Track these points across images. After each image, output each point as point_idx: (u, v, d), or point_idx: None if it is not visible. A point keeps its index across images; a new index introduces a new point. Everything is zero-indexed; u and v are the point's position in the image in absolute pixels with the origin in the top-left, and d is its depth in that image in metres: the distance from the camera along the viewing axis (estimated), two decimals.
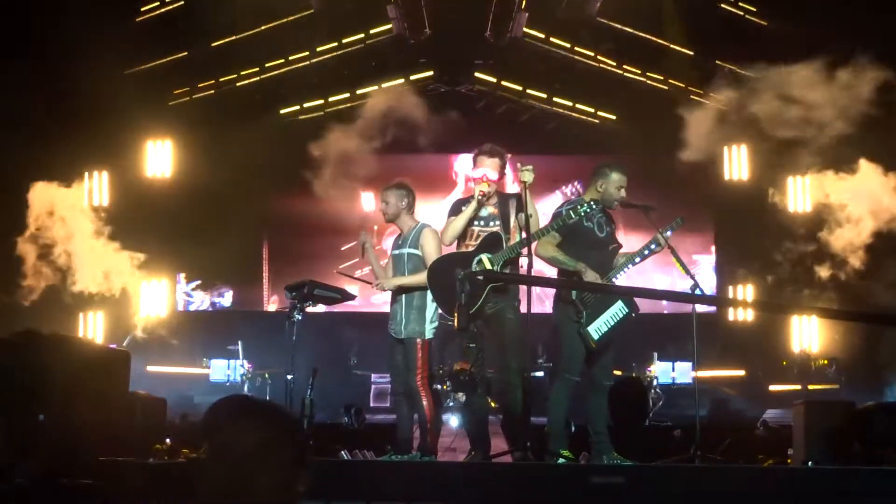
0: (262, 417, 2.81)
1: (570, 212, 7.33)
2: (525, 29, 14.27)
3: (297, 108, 16.02)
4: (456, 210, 7.77)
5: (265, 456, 2.70)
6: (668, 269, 15.47)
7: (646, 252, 7.70)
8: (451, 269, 7.38)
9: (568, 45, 14.90)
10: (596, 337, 7.38)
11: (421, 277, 7.78)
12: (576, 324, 7.39)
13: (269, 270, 16.60)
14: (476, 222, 7.59)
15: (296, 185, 16.04)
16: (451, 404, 10.85)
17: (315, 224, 16.07)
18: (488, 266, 7.40)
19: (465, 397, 7.71)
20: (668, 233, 7.66)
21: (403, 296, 7.86)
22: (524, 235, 7.28)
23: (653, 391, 13.18)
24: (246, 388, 13.46)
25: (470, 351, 7.43)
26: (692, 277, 8.06)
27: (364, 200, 16.55)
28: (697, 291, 8.19)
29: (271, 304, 16.39)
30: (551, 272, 8.22)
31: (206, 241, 14.74)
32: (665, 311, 15.92)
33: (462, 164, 16.36)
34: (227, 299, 16.33)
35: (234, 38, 14.40)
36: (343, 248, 16.35)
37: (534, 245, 7.38)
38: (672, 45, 14.54)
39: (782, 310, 14.32)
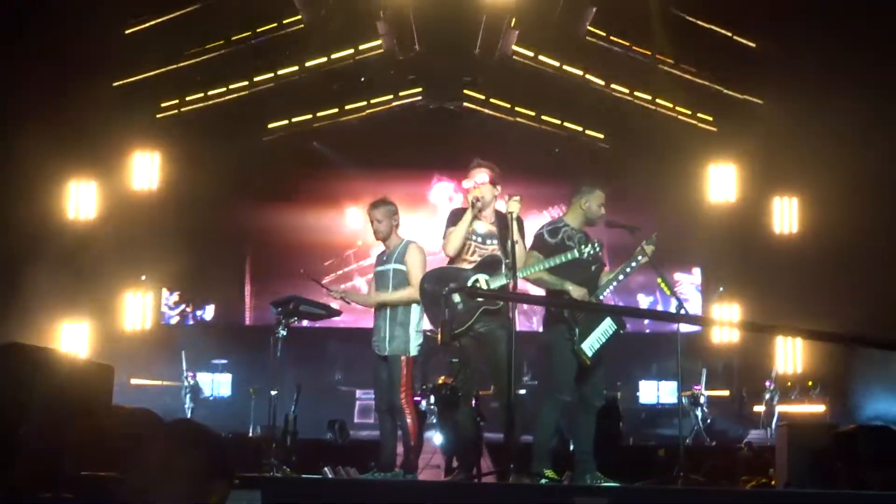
0: (172, 433, 2.98)
1: (571, 252, 7.36)
2: (514, 47, 14.31)
3: (286, 122, 16.02)
4: (454, 219, 7.74)
5: (171, 468, 2.86)
6: (651, 289, 15.53)
7: (627, 270, 7.73)
8: (446, 284, 7.37)
9: (556, 64, 14.95)
10: (590, 353, 7.39)
11: (404, 294, 7.78)
12: (569, 342, 7.40)
13: (252, 285, 16.56)
14: (474, 237, 7.56)
15: (280, 199, 16.11)
16: (434, 421, 10.84)
17: (299, 238, 16.07)
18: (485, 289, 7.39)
19: (446, 411, 7.66)
20: (651, 247, 7.69)
21: (388, 312, 7.85)
22: (514, 260, 7.26)
23: (699, 409, 13.17)
24: (188, 400, 13.37)
25: (453, 366, 7.41)
26: (677, 297, 8.10)
27: (349, 215, 16.59)
28: (682, 311, 8.22)
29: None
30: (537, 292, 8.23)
31: (189, 254, 14.72)
32: (647, 331, 15.96)
33: (437, 193, 16.43)
34: (208, 313, 16.24)
35: (223, 51, 14.39)
36: (326, 263, 16.35)
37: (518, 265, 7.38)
38: (660, 66, 14.59)
39: (767, 330, 14.35)
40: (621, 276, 7.75)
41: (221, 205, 15.52)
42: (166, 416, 12.58)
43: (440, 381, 7.26)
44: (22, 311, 12.60)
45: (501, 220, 7.58)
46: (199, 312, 16.22)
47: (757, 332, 15.48)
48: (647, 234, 7.87)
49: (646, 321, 15.96)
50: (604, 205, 7.81)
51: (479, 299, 7.34)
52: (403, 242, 8.02)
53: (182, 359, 13.75)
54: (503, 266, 7.45)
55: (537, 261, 7.42)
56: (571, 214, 7.82)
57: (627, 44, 14.44)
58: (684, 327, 9.04)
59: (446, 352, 7.34)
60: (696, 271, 16.43)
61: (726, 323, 13.50)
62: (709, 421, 13.16)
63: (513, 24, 13.69)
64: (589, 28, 13.95)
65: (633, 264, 7.69)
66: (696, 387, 13.37)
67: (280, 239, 16.13)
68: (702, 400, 13.24)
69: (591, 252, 7.41)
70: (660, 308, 16.06)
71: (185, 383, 13.53)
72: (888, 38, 12.10)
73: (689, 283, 16.35)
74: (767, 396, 13.18)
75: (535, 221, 7.98)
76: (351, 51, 14.80)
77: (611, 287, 7.79)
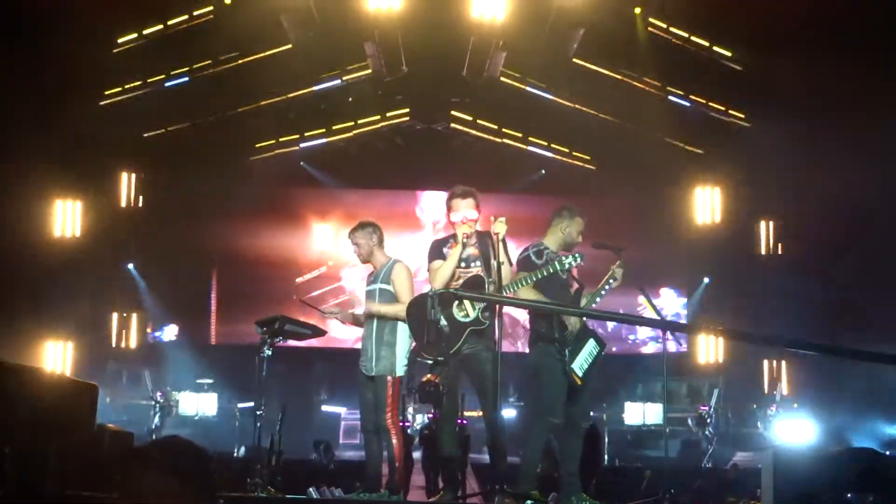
0: (161, 454, 3.03)
1: (556, 262, 7.37)
2: (502, 69, 14.31)
3: (273, 142, 16.01)
4: (436, 251, 7.72)
5: (159, 489, 2.94)
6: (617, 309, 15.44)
7: (602, 292, 7.75)
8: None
9: (544, 85, 14.99)
10: (580, 373, 7.40)
11: (393, 308, 7.76)
12: (559, 362, 7.39)
13: (218, 304, 16.44)
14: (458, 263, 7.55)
15: (263, 219, 16.07)
16: (419, 438, 10.80)
17: (268, 257, 16.00)
18: (470, 310, 7.37)
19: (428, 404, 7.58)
20: (620, 270, 7.72)
21: (374, 332, 7.83)
22: (500, 280, 7.24)
23: (707, 430, 13.11)
24: (157, 419, 13.33)
25: (437, 364, 7.33)
26: (661, 317, 8.12)
27: (317, 234, 16.57)
28: (668, 335, 8.26)
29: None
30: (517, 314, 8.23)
31: (166, 274, 14.70)
32: (615, 351, 15.84)
33: (427, 202, 16.41)
34: (166, 334, 15.95)
35: (211, 71, 14.37)
36: (297, 281, 16.29)
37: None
38: (647, 89, 14.63)
39: (755, 340, 14.35)
40: (597, 299, 7.78)
41: (203, 225, 15.49)
42: (148, 436, 12.61)
43: (424, 379, 7.18)
44: (6, 328, 12.55)
45: (483, 240, 7.58)
46: (157, 334, 15.98)
47: (743, 342, 15.37)
48: (630, 255, 7.90)
49: (613, 348, 15.92)
50: (582, 233, 7.85)
51: (465, 320, 7.33)
52: (390, 262, 8.01)
53: (146, 378, 13.70)
54: (487, 286, 7.44)
55: (522, 278, 7.42)
56: (551, 237, 7.82)
57: (614, 66, 14.45)
58: (669, 347, 9.04)
59: (431, 351, 7.25)
60: (664, 292, 16.33)
61: (712, 330, 13.37)
62: (715, 440, 13.13)
63: (500, 45, 13.70)
64: (576, 50, 13.97)
65: (607, 287, 7.71)
66: (702, 407, 13.35)
67: (249, 256, 16.07)
68: (709, 421, 13.18)
69: (573, 264, 7.42)
70: (637, 333, 16.21)
71: (154, 401, 13.48)
72: (875, 61, 12.19)
73: (661, 304, 16.35)
74: (769, 416, 13.18)
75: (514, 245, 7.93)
76: (338, 71, 14.81)
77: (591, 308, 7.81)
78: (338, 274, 16.30)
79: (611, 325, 15.79)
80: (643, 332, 16.30)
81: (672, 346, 15.19)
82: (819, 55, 12.50)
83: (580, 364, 7.42)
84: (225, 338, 16.07)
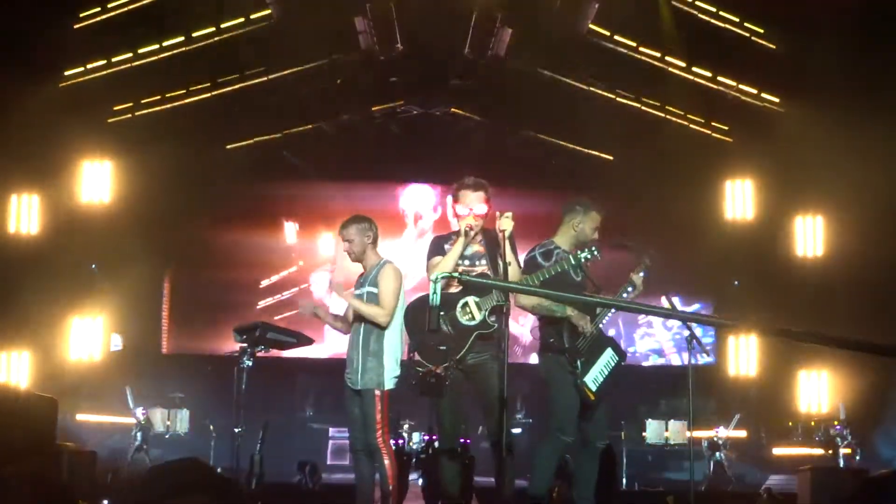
0: (203, 495, 3.04)
1: (570, 258, 7.38)
2: (508, 46, 14.28)
3: (252, 129, 15.95)
4: (437, 248, 7.71)
5: None
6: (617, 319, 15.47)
7: (622, 298, 7.75)
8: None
9: (554, 65, 14.93)
10: (594, 388, 7.40)
11: (372, 308, 7.75)
12: (570, 375, 7.39)
13: (171, 308, 16.41)
14: (460, 260, 7.55)
15: (228, 213, 16.06)
16: (415, 460, 10.81)
17: (235, 257, 16.00)
18: (475, 312, 7.37)
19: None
20: (642, 275, 7.72)
21: (360, 340, 7.82)
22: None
23: (719, 454, 13.18)
24: (139, 439, 13.34)
25: (439, 353, 7.34)
26: (688, 326, 8.13)
27: (287, 231, 16.57)
28: (694, 342, 8.26)
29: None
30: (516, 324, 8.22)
31: (119, 274, 14.70)
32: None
33: (407, 199, 16.42)
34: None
35: (184, 48, 14.32)
36: (262, 285, 16.27)
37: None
38: (670, 69, 14.58)
39: (792, 336, 14.29)
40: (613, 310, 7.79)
41: (170, 221, 15.50)
42: (114, 455, 12.64)
43: (425, 370, 7.19)
44: None
45: (490, 238, 7.57)
46: None
47: (778, 338, 15.26)
48: (652, 257, 7.90)
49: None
50: (598, 229, 7.84)
51: (470, 324, 7.33)
52: (380, 263, 8.01)
53: (128, 394, 13.66)
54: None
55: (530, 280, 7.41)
56: (562, 236, 7.82)
57: (634, 44, 14.40)
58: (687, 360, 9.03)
59: (433, 339, 7.26)
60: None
61: (743, 325, 13.17)
62: (726, 464, 13.19)
63: (507, 20, 13.67)
64: (591, 26, 13.93)
65: (624, 296, 7.71)
66: (716, 429, 13.38)
67: (210, 255, 16.09)
68: (720, 443, 13.23)
69: (587, 258, 7.43)
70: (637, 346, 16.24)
71: (138, 419, 13.46)
72: None
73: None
74: (835, 435, 13.20)
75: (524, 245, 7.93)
76: (325, 50, 14.75)
77: (608, 316, 7.81)
78: (306, 277, 16.32)
79: (609, 334, 15.86)
80: (643, 346, 16.35)
81: (691, 356, 15.19)
82: (864, 31, 12.48)
83: (594, 377, 7.43)
84: (179, 348, 16.10)
